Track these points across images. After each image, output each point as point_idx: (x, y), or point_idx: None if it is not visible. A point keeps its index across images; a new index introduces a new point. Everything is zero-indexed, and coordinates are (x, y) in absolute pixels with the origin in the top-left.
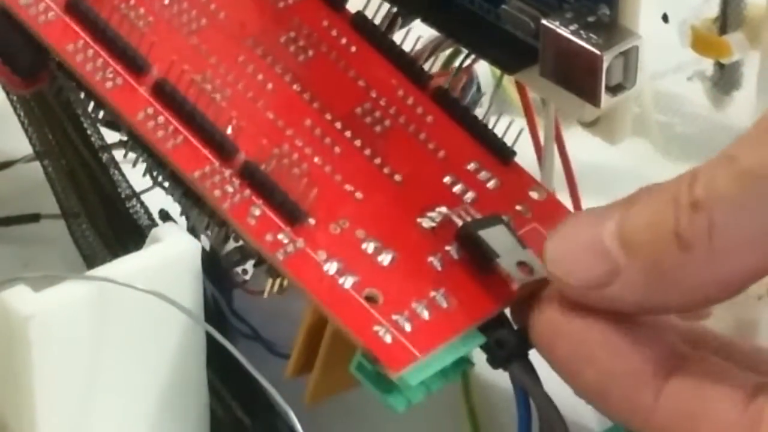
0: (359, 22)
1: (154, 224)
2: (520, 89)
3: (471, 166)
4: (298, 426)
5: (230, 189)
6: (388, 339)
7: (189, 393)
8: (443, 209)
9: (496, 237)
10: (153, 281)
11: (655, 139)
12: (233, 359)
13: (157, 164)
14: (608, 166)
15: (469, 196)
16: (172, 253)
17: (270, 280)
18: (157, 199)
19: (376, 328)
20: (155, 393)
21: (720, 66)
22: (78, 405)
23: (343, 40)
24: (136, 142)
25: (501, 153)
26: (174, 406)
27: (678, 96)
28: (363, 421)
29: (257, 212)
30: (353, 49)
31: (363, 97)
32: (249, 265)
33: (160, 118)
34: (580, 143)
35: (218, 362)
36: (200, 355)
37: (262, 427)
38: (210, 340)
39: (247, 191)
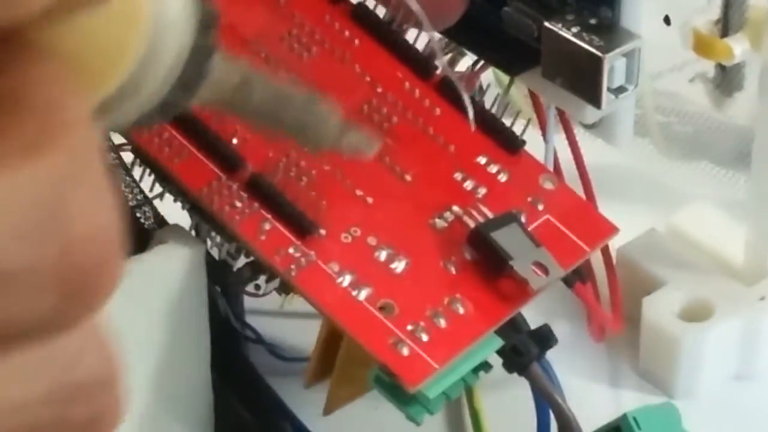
0: (360, 14)
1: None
2: (534, 98)
3: (481, 160)
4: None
5: (238, 204)
6: (405, 352)
7: (193, 393)
8: (455, 208)
9: (508, 237)
10: (157, 282)
11: (657, 139)
12: (238, 360)
13: (164, 179)
14: (610, 167)
15: (481, 191)
16: (177, 254)
17: (283, 295)
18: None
19: (393, 340)
20: (159, 393)
21: (721, 68)
22: None
23: (346, 33)
24: (143, 160)
25: (509, 143)
26: (178, 406)
27: (679, 97)
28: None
29: (267, 226)
30: (356, 42)
31: (369, 94)
32: (261, 281)
33: (165, 134)
34: (582, 144)
35: (223, 363)
36: (204, 355)
37: (267, 427)
38: (215, 340)
39: (256, 204)
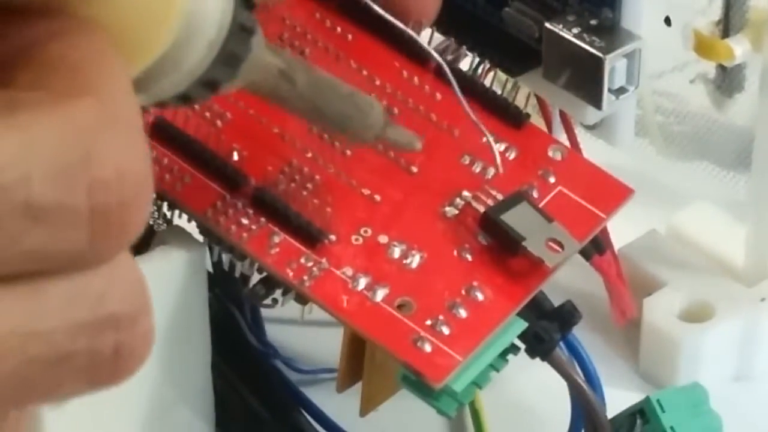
0: (349, 6)
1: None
2: (542, 104)
3: (487, 139)
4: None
5: (245, 221)
6: (427, 348)
7: (193, 393)
8: (465, 193)
9: (520, 218)
10: (158, 284)
11: (657, 140)
12: (250, 355)
13: (171, 206)
14: (611, 167)
15: (490, 172)
16: (177, 256)
17: (301, 307)
18: None
19: (414, 338)
20: (158, 392)
21: (722, 69)
22: (82, 402)
23: (338, 30)
24: None
25: (514, 118)
26: (178, 406)
27: (680, 98)
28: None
29: (276, 239)
30: (349, 37)
31: (368, 88)
32: (278, 294)
33: (165, 160)
34: (583, 145)
35: (236, 357)
36: (205, 356)
37: (283, 422)
38: (229, 337)
39: (262, 219)
